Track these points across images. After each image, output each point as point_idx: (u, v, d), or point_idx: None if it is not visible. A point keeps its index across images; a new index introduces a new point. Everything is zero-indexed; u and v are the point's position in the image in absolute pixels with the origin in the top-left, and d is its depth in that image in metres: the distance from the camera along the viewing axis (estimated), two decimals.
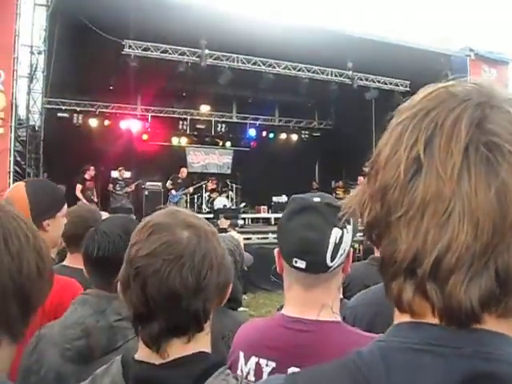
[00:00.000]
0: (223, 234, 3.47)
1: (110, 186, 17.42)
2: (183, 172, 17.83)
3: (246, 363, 1.70)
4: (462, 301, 0.65)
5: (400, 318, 0.73)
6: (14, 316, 1.00)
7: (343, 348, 1.56)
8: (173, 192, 17.25)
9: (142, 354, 1.35)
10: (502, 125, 0.66)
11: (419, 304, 0.69)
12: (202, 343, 1.36)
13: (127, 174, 18.07)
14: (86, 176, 16.01)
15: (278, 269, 1.74)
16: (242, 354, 1.72)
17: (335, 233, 1.59)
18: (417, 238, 0.67)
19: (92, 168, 16.35)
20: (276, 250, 1.72)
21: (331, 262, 1.59)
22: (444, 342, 0.68)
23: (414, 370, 0.68)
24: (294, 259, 1.61)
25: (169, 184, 17.33)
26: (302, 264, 1.60)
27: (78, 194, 15.46)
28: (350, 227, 1.61)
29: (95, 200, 16.03)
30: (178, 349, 1.32)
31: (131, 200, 17.77)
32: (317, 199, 1.65)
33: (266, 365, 1.64)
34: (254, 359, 1.68)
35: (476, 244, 0.64)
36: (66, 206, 2.75)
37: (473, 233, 0.64)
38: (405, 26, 37.19)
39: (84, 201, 14.80)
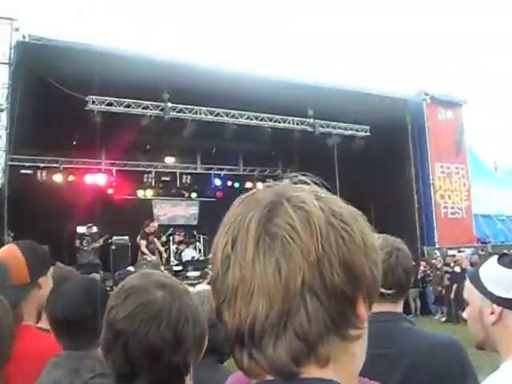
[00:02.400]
0: (200, 289, 3.50)
1: (77, 241, 17.20)
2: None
3: None
4: (275, 359, 0.79)
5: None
6: None
7: None
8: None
9: None
10: (282, 217, 0.82)
11: (255, 368, 0.82)
12: None
13: (94, 229, 17.89)
14: (147, 230, 16.02)
15: None
16: None
17: None
18: (235, 317, 0.82)
19: (152, 223, 16.65)
20: None
21: None
22: None
23: None
24: None
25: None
26: None
27: (144, 249, 15.70)
28: None
29: (162, 252, 16.94)
30: None
31: (98, 255, 17.55)
32: None
33: None
34: None
35: (272, 312, 0.79)
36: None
37: (268, 304, 0.79)
38: (363, 73, 38.20)
39: (150, 256, 15.37)
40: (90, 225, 17.47)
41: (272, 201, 0.85)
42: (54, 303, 2.15)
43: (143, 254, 15.68)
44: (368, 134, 18.62)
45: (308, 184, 0.92)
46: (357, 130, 18.69)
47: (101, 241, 17.35)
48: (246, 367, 0.83)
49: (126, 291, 1.41)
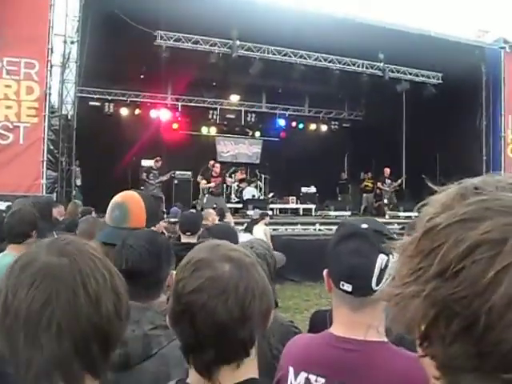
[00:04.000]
0: (253, 239, 3.55)
1: (144, 174, 17.41)
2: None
3: (295, 378, 1.77)
4: None
5: None
6: (95, 357, 1.07)
7: (388, 367, 1.62)
8: None
9: (194, 379, 1.41)
10: None
11: None
12: (250, 367, 1.43)
13: (160, 164, 18.15)
14: (213, 173, 16.35)
15: (326, 288, 1.83)
16: (291, 369, 1.80)
17: (381, 258, 1.67)
18: None
19: (218, 165, 16.82)
20: (325, 271, 1.82)
21: (376, 286, 1.66)
22: None
23: None
24: (341, 282, 1.71)
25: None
26: (348, 287, 1.70)
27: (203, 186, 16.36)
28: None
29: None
30: (228, 376, 1.38)
31: (162, 189, 17.88)
32: (365, 225, 1.74)
33: (316, 380, 1.73)
34: (303, 374, 1.76)
35: None
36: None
37: None
38: (438, 17, 36.61)
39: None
40: (158, 158, 17.62)
41: None
42: (117, 254, 2.22)
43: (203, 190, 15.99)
44: (440, 81, 17.98)
45: None
46: (428, 77, 18.06)
47: (168, 175, 17.59)
48: None
49: (193, 265, 1.41)
